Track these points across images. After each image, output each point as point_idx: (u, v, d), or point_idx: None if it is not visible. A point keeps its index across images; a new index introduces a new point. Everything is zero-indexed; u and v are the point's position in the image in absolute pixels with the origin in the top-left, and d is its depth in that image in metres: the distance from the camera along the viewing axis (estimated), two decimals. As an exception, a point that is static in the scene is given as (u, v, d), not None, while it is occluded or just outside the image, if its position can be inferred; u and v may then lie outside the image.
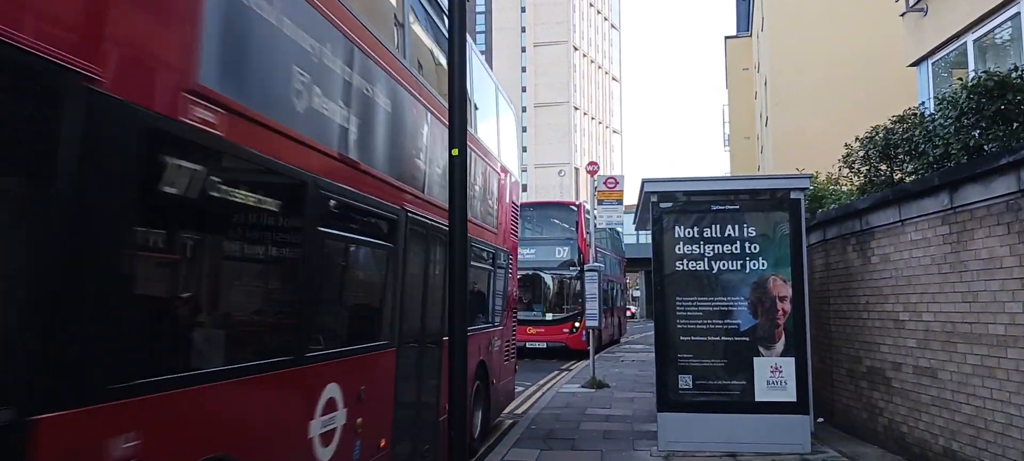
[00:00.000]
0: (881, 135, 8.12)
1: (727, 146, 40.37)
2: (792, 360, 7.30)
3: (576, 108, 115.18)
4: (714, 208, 7.49)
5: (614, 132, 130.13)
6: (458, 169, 3.61)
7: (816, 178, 10.66)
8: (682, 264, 7.47)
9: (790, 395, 7.28)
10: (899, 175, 8.10)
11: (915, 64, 11.48)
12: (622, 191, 13.19)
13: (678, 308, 7.42)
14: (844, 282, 8.26)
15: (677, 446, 7.37)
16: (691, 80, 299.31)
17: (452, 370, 3.73)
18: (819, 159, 14.20)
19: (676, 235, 7.49)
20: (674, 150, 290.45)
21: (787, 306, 7.35)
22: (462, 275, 3.71)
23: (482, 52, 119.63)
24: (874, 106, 17.41)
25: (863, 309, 7.72)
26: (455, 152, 3.55)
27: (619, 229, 27.20)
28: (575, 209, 21.70)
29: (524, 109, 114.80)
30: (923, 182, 6.46)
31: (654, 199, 7.58)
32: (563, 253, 20.84)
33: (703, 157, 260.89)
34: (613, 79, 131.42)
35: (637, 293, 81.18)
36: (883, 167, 8.40)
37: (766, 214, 7.53)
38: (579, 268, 20.16)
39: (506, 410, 10.88)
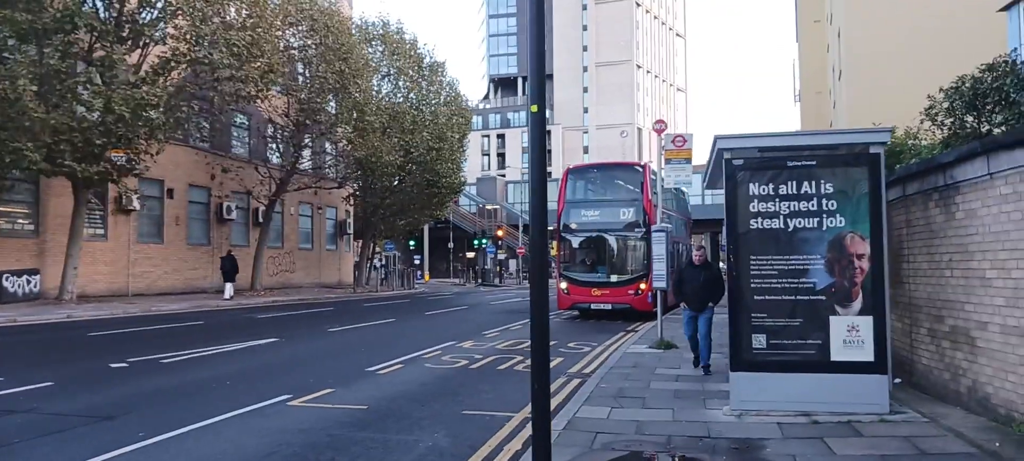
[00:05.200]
0: (968, 85, 7.77)
1: (798, 101, 39.15)
2: (870, 319, 7.13)
3: (639, 66, 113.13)
4: (790, 164, 7.30)
5: (678, 90, 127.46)
6: (537, 125, 3.63)
7: (894, 133, 10.28)
8: (756, 222, 7.33)
9: (867, 355, 7.13)
10: (987, 127, 7.76)
11: (1006, 9, 10.89)
12: (691, 150, 12.95)
13: (752, 267, 7.31)
14: (925, 239, 7.99)
15: (750, 405, 7.33)
16: (759, 34, 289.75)
17: (533, 321, 3.79)
18: (897, 113, 13.69)
19: (750, 193, 7.35)
20: (741, 107, 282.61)
21: (865, 264, 7.16)
22: (541, 225, 3.75)
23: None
24: (956, 57, 16.57)
25: (946, 267, 7.47)
26: (535, 109, 3.56)
27: (685, 189, 26.82)
28: (640, 170, 21.48)
29: (585, 69, 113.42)
30: (1015, 133, 6.17)
31: (727, 156, 7.44)
32: (628, 214, 20.70)
33: (772, 113, 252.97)
34: (677, 35, 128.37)
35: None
36: (969, 119, 8.06)
37: (844, 169, 7.30)
38: (644, 229, 20.01)
39: (573, 369, 11.08)
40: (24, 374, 10.12)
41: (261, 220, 33.25)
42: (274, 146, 34.63)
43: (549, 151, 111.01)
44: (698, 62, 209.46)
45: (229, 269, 27.47)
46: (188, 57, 22.97)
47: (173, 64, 22.58)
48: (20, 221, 23.72)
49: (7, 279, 21.85)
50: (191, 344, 13.68)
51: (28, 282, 22.62)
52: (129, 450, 6.32)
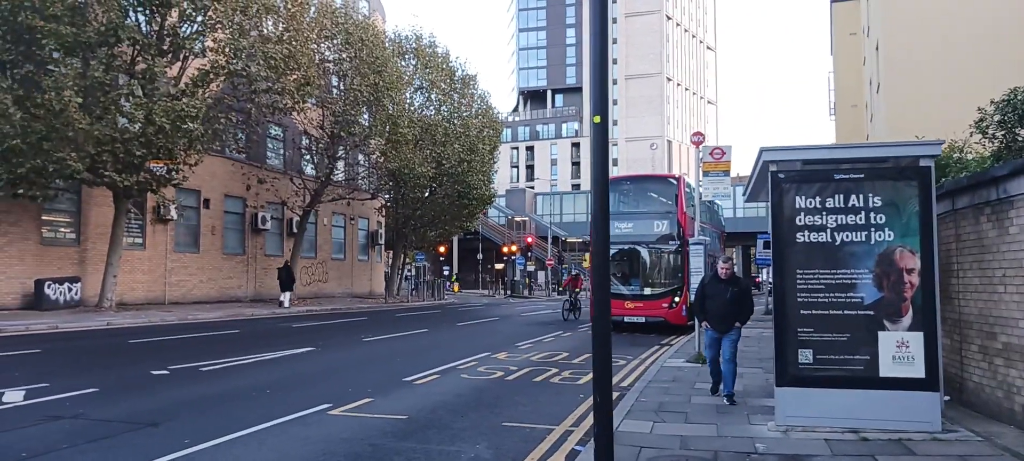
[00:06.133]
0: (1020, 97, 7.60)
1: (833, 115, 38.68)
2: (920, 335, 6.99)
3: (669, 79, 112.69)
4: (837, 177, 7.20)
5: (709, 103, 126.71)
6: (599, 135, 3.61)
7: (940, 145, 10.09)
8: (803, 235, 7.23)
9: (918, 371, 6.98)
10: (1041, 140, 7.59)
11: (1055, 21, 10.65)
12: (729, 162, 12.84)
13: (799, 281, 7.20)
14: (976, 254, 7.81)
15: (796, 421, 7.20)
16: (792, 47, 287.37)
17: (596, 333, 3.76)
18: (938, 126, 13.47)
19: (796, 206, 7.25)
20: (773, 120, 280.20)
21: (915, 279, 7.02)
22: (604, 234, 3.73)
23: (570, 25, 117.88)
24: (999, 69, 16.27)
25: (999, 283, 7.29)
26: (597, 119, 3.55)
27: (717, 202, 26.59)
28: (675, 182, 21.32)
29: (615, 81, 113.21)
30: (1074, 146, 6.02)
31: (773, 168, 7.36)
32: (662, 227, 20.54)
33: (805, 127, 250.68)
34: (708, 48, 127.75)
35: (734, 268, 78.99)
36: (1021, 131, 7.88)
37: (893, 183, 7.18)
38: (679, 242, 19.86)
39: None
40: (69, 380, 10.29)
41: (295, 230, 33.61)
42: (308, 157, 35.02)
43: (578, 163, 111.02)
44: (729, 75, 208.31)
45: (285, 278, 29.20)
46: (226, 70, 23.36)
47: (212, 76, 22.97)
48: (62, 230, 24.23)
49: (49, 287, 22.30)
50: (229, 352, 13.83)
51: (69, 290, 23.06)
52: (176, 456, 6.39)
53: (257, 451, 6.68)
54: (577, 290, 26.68)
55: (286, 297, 29.01)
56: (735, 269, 9.45)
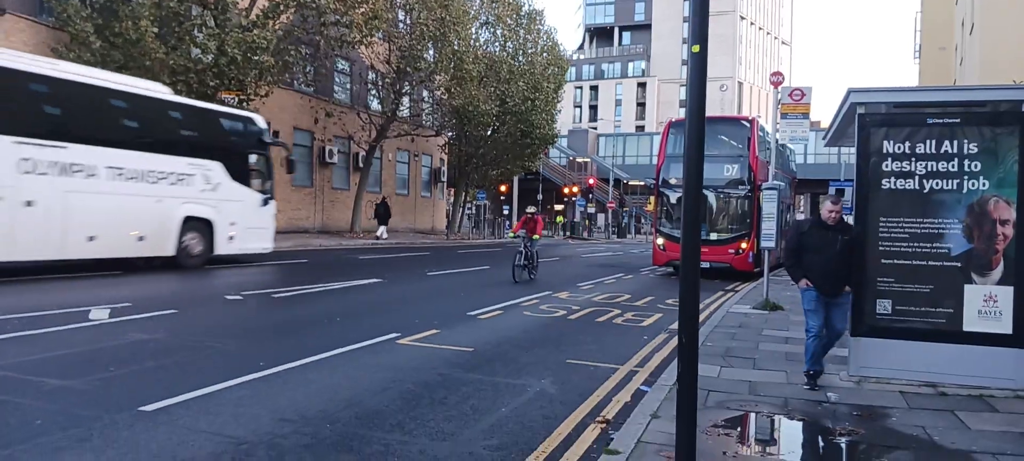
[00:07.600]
0: None
1: (917, 57, 36.81)
2: (1010, 289, 6.66)
3: (742, 17, 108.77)
4: (930, 121, 6.83)
5: (783, 44, 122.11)
6: (698, 66, 3.46)
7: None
8: (889, 182, 6.90)
9: (1005, 327, 6.67)
10: None
11: None
12: (809, 104, 12.35)
13: (881, 229, 6.92)
14: (1076, 207, 7.35)
15: (870, 372, 7.01)
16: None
17: (684, 274, 3.67)
18: (1037, 71, 12.66)
19: (883, 150, 6.91)
20: (849, 62, 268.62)
21: (1009, 231, 6.66)
22: (697, 172, 3.61)
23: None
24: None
25: (1100, 238, 6.86)
26: (697, 49, 3.40)
27: (789, 147, 25.75)
28: (747, 125, 20.67)
29: (685, 19, 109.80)
30: None
31: (861, 111, 7.02)
32: (732, 171, 20.01)
33: (884, 71, 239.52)
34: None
35: (801, 215, 77.16)
36: None
37: (991, 129, 6.76)
38: (749, 187, 19.38)
39: (674, 325, 10.88)
40: (149, 301, 10.74)
41: (361, 165, 34.05)
42: (374, 92, 35.21)
43: (643, 104, 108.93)
44: (806, 14, 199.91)
45: (383, 213, 31.48)
46: (296, 1, 23.47)
47: (282, 8, 23.12)
48: (140, 157, 25.02)
49: (129, 211, 23.20)
50: (299, 281, 14.22)
51: (147, 215, 23.92)
52: (251, 378, 6.58)
53: (330, 376, 6.86)
54: (535, 236, 17.58)
55: (383, 230, 30.90)
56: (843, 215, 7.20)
